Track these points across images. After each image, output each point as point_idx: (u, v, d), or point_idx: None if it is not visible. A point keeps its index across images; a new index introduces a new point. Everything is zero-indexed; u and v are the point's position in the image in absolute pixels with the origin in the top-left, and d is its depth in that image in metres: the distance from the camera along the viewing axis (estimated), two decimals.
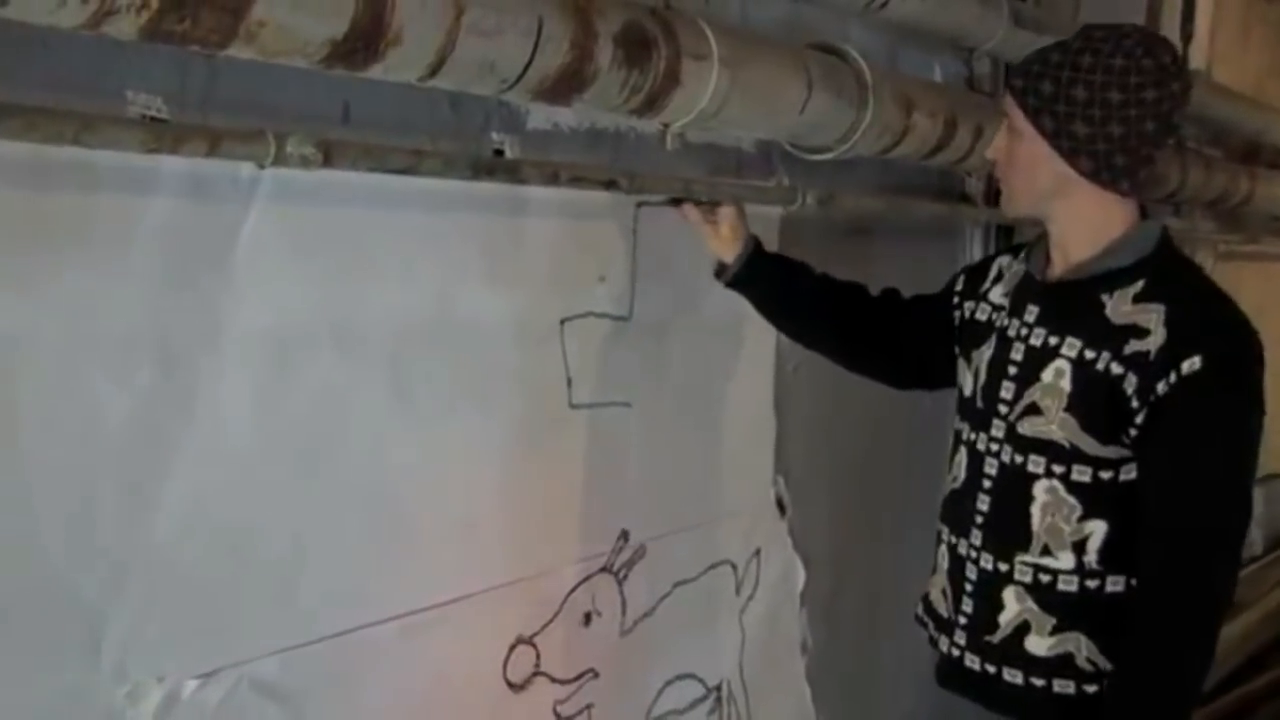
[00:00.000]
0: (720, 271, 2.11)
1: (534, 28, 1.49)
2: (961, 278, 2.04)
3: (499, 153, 1.80)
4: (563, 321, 1.97)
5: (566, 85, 1.58)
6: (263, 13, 1.19)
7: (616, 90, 1.66)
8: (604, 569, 2.09)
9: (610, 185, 1.83)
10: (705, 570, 2.35)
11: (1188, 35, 4.03)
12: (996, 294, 1.92)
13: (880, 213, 2.72)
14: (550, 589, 2.00)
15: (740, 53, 1.85)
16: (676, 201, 2.06)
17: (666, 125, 1.87)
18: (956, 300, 2.01)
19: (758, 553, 2.49)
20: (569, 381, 1.98)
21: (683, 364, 2.24)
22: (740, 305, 2.16)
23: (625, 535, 2.13)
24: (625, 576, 2.14)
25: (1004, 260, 1.98)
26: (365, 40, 1.30)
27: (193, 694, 1.48)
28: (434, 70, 1.41)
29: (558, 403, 1.98)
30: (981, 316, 1.92)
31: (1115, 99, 1.66)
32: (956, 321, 1.99)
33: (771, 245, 2.18)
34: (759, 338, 2.41)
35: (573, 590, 2.03)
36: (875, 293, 2.14)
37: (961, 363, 1.93)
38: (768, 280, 2.10)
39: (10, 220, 1.27)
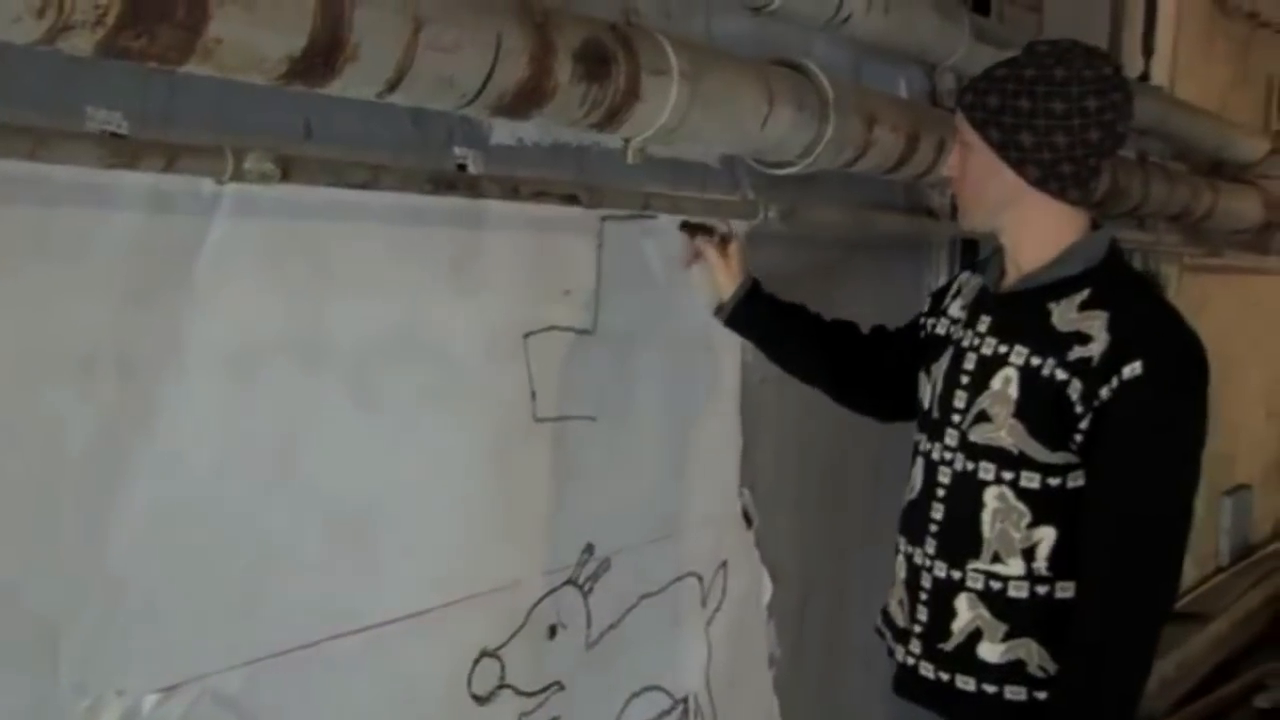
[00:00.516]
0: (719, 309, 2.19)
1: (493, 43, 1.50)
2: (928, 300, 2.08)
3: (462, 167, 1.81)
4: (527, 335, 1.97)
5: (526, 100, 1.60)
6: (220, 29, 1.20)
7: (576, 105, 1.68)
8: (569, 581, 2.10)
9: (571, 200, 1.85)
10: (671, 582, 2.35)
11: (1149, 51, 4.05)
12: (955, 308, 1.95)
13: (843, 227, 2.74)
14: (515, 602, 2.00)
15: (701, 68, 1.87)
16: (691, 228, 2.15)
17: (628, 140, 1.89)
18: (921, 321, 2.04)
19: (724, 565, 2.50)
20: (533, 395, 1.99)
21: (648, 377, 2.25)
22: (706, 318, 2.19)
23: (590, 548, 2.14)
24: (590, 589, 2.14)
25: (964, 276, 2.02)
26: (323, 56, 1.31)
27: (154, 708, 1.48)
28: (392, 86, 1.43)
29: (522, 416, 1.98)
30: (940, 331, 1.95)
31: (1058, 108, 1.70)
32: (921, 340, 2.02)
33: None
34: (725, 350, 2.42)
35: (538, 603, 2.03)
36: (865, 330, 2.20)
37: (922, 376, 1.96)
38: (766, 324, 2.19)
39: None
